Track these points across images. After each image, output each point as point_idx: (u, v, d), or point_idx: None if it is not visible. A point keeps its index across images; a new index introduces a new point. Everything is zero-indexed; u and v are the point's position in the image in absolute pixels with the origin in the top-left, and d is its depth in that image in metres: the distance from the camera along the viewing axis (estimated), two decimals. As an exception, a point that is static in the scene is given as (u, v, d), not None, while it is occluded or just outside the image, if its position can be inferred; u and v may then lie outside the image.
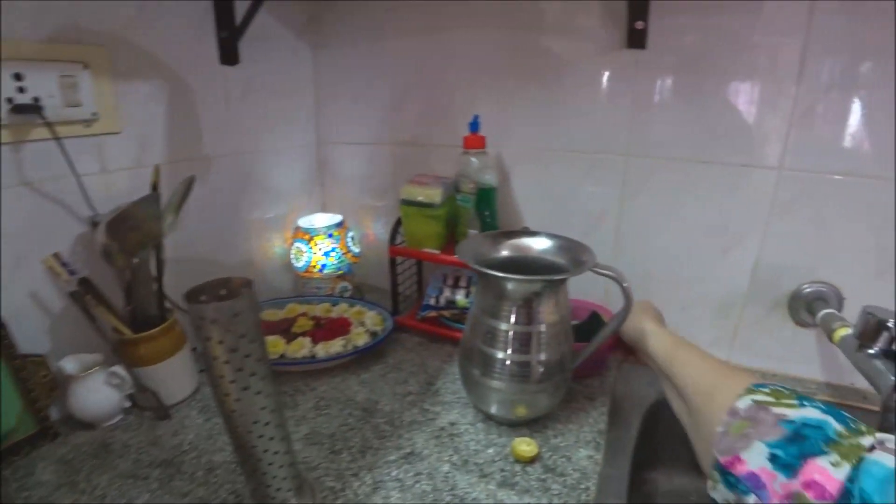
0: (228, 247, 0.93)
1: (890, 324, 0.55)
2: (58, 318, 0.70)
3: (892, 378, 0.53)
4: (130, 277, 0.65)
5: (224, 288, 0.46)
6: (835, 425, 0.36)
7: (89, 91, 0.68)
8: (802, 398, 0.41)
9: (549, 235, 0.64)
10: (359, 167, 1.06)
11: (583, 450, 0.62)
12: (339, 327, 0.82)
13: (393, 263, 0.88)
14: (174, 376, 0.72)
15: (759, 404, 0.41)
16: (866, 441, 0.34)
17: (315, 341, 0.78)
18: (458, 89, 0.90)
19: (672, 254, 0.81)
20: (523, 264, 0.62)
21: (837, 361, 0.76)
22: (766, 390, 0.42)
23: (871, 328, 0.57)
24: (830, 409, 0.39)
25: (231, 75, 0.86)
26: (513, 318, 0.59)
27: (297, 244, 0.94)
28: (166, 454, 0.64)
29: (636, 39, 0.74)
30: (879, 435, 0.35)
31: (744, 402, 0.42)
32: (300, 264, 0.94)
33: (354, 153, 1.05)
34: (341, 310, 0.89)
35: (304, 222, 0.97)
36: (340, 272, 0.95)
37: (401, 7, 0.90)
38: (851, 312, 0.64)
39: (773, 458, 0.37)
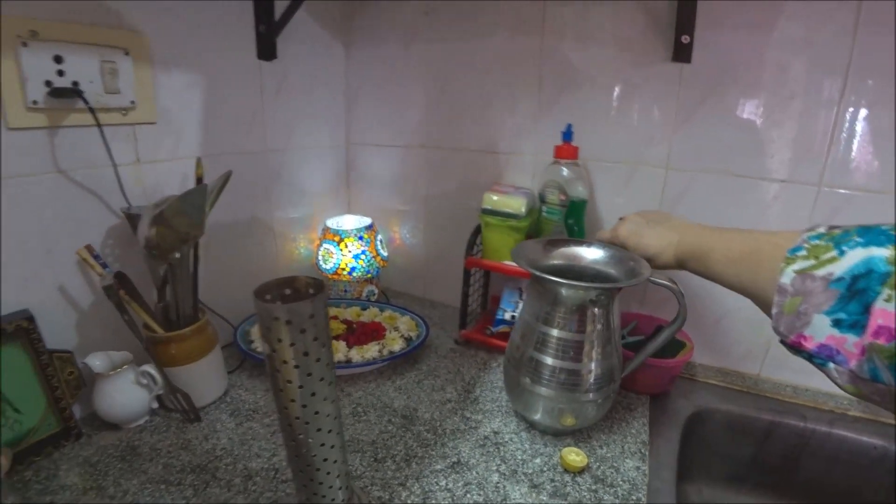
0: (254, 245, 0.90)
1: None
2: (86, 313, 0.67)
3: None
4: (168, 273, 0.62)
5: (289, 287, 0.44)
6: (882, 253, 0.34)
7: (128, 78, 0.66)
8: (840, 244, 0.38)
9: (602, 245, 0.63)
10: (387, 170, 1.04)
11: (629, 461, 0.61)
12: (372, 332, 0.80)
13: (467, 275, 0.84)
14: (204, 378, 0.70)
15: (802, 273, 0.38)
16: None
17: (349, 345, 0.76)
18: (493, 95, 0.89)
19: (707, 267, 0.81)
20: (575, 272, 0.61)
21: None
22: (804, 252, 0.39)
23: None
24: (870, 234, 0.37)
25: (266, 70, 0.84)
26: (565, 325, 0.58)
27: (327, 245, 0.92)
28: (199, 459, 0.61)
29: (681, 53, 0.74)
30: None
31: (787, 277, 0.39)
32: (329, 266, 0.92)
33: (383, 155, 1.04)
34: (372, 314, 0.87)
35: (332, 223, 0.95)
36: (369, 276, 0.93)
37: (438, 10, 0.89)
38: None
39: (838, 323, 0.36)
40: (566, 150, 0.78)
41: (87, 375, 0.65)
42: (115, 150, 0.65)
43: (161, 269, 0.63)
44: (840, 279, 0.36)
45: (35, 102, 0.58)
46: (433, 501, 0.54)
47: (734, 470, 0.79)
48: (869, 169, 0.69)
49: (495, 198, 0.79)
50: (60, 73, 0.60)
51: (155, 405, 0.68)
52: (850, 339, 0.35)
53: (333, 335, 0.79)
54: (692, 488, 0.80)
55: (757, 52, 0.71)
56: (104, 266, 0.63)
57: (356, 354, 0.75)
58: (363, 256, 0.91)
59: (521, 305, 0.83)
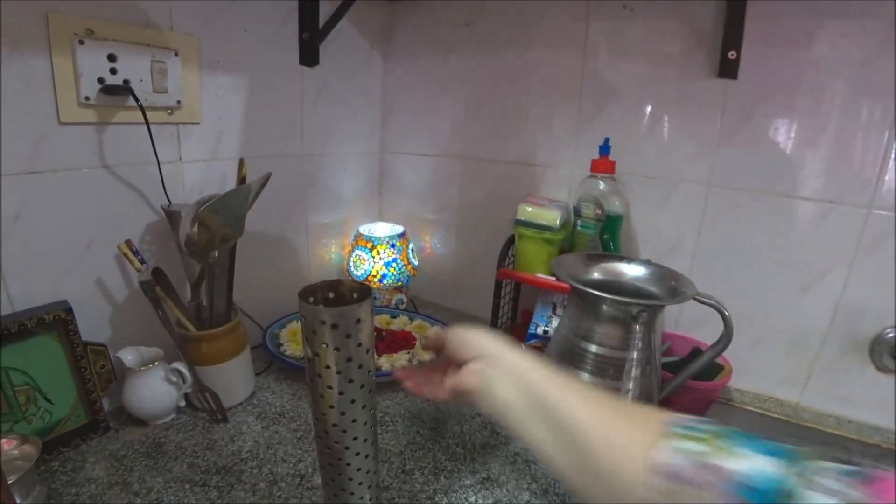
0: (287, 248, 0.91)
1: None
2: (121, 308, 0.68)
3: None
4: (205, 272, 0.63)
5: (333, 291, 0.44)
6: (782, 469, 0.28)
7: (176, 79, 0.67)
8: (724, 435, 0.31)
9: (644, 262, 0.62)
10: (420, 178, 1.04)
11: (665, 488, 0.59)
12: (402, 340, 0.79)
13: (498, 287, 0.84)
14: (233, 379, 0.69)
15: (687, 454, 0.31)
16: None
17: (379, 353, 0.75)
18: (532, 107, 0.88)
19: (747, 287, 0.78)
20: (615, 288, 0.59)
21: (920, 412, 0.72)
22: (696, 434, 0.32)
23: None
24: (767, 447, 0.30)
25: (308, 76, 0.85)
26: (605, 342, 0.56)
27: (358, 251, 0.92)
28: (224, 460, 0.60)
29: (728, 69, 0.73)
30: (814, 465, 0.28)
31: (665, 455, 0.31)
32: (360, 272, 0.92)
33: (416, 164, 1.04)
34: (401, 323, 0.86)
35: (365, 230, 0.95)
36: (399, 283, 0.93)
37: (478, 22, 0.90)
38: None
39: None
40: (603, 163, 0.76)
41: (118, 369, 0.65)
42: (159, 149, 0.66)
43: (197, 267, 0.63)
44: (752, 489, 0.28)
45: (87, 98, 0.60)
46: (462, 518, 0.53)
47: None
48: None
49: (530, 209, 0.78)
50: (113, 70, 0.61)
51: (182, 403, 0.68)
52: None
53: None
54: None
55: (807, 70, 0.69)
56: (142, 262, 0.64)
57: (386, 362, 0.74)
58: (394, 264, 0.91)
59: (554, 321, 0.81)
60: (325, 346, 0.38)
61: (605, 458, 0.35)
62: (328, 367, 0.39)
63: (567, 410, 0.38)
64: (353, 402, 0.41)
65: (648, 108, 0.80)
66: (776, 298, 0.77)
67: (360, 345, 0.39)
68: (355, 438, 0.42)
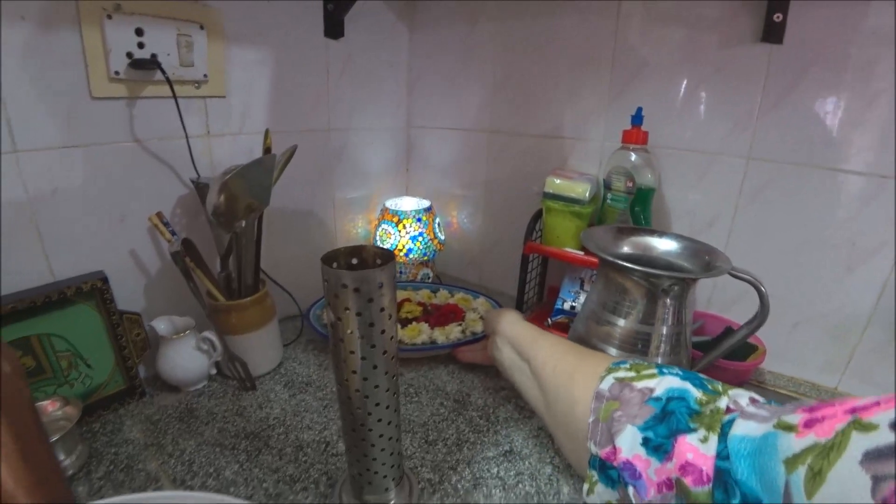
0: (314, 222, 0.91)
1: None
2: (153, 279, 0.70)
3: None
4: (233, 242, 0.64)
5: (356, 257, 0.44)
6: (694, 392, 0.35)
7: (202, 52, 0.68)
8: (661, 367, 0.39)
9: (677, 237, 0.59)
10: (447, 153, 1.03)
11: (693, 468, 0.58)
12: (449, 313, 0.80)
13: (525, 261, 0.83)
14: (261, 348, 0.71)
15: (622, 381, 0.39)
16: (722, 403, 0.33)
17: (431, 327, 0.77)
18: (561, 78, 0.86)
19: (787, 267, 0.75)
20: (645, 262, 0.57)
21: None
22: (626, 365, 0.40)
23: None
24: (688, 373, 0.37)
25: (333, 49, 0.85)
26: (634, 316, 0.55)
27: (385, 226, 0.92)
28: (252, 426, 0.62)
29: (773, 33, 0.68)
30: (732, 392, 0.34)
31: (607, 383, 0.40)
32: (386, 246, 0.92)
33: (443, 138, 1.02)
34: (443, 297, 0.87)
35: (391, 204, 0.95)
36: (426, 258, 0.93)
37: (506, -11, 0.87)
38: None
39: (646, 442, 0.34)
40: (635, 134, 0.73)
41: (153, 338, 0.67)
42: (187, 123, 0.67)
43: (226, 238, 0.65)
44: (658, 399, 0.35)
45: (117, 73, 0.61)
46: (484, 488, 0.53)
47: None
48: None
49: (558, 181, 0.76)
50: (140, 45, 0.62)
51: (213, 371, 0.70)
52: (653, 463, 0.33)
53: (412, 317, 0.80)
54: None
55: (859, 34, 0.64)
56: (173, 233, 0.65)
57: (440, 336, 0.75)
58: (420, 238, 0.91)
59: (581, 297, 0.79)
60: (347, 310, 0.38)
61: (563, 395, 0.44)
62: (351, 331, 0.39)
63: (539, 360, 0.50)
64: (375, 367, 0.41)
65: (685, 78, 0.76)
66: (819, 280, 0.73)
67: (382, 309, 0.39)
68: (377, 404, 0.43)
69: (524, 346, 0.54)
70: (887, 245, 0.68)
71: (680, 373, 0.38)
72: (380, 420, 0.44)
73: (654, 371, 0.38)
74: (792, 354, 0.77)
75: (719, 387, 0.35)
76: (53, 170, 0.58)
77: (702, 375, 0.37)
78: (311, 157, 0.86)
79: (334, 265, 0.42)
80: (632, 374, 0.39)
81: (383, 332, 0.40)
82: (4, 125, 0.54)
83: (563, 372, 0.46)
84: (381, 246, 0.43)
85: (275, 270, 0.80)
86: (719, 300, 0.81)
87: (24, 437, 0.42)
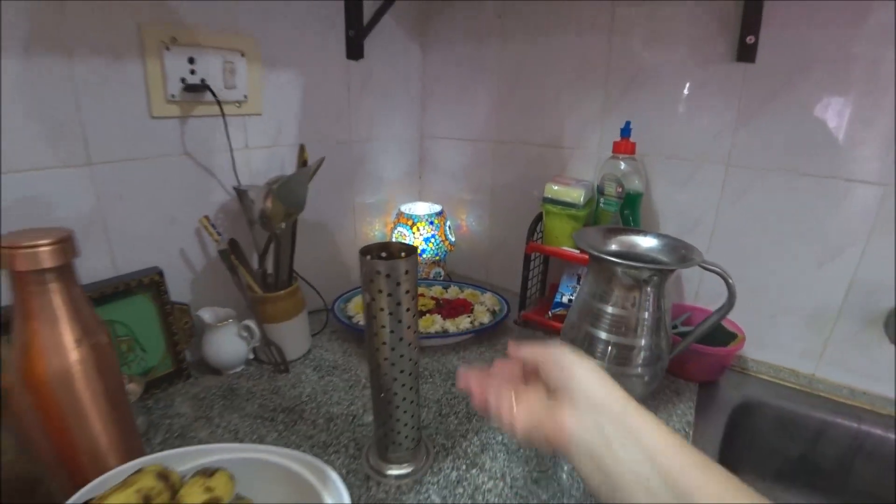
0: (337, 225, 1.01)
1: None
2: (199, 274, 0.79)
3: None
4: (273, 242, 0.73)
5: (385, 250, 0.52)
6: None
7: (243, 76, 0.77)
8: None
9: (657, 235, 0.68)
10: (456, 161, 1.12)
11: (675, 438, 0.65)
12: (460, 306, 0.89)
13: (527, 259, 0.92)
14: (293, 336, 0.80)
15: None
16: None
17: (444, 318, 0.86)
18: (561, 92, 0.94)
19: (765, 263, 0.82)
20: (631, 258, 0.66)
21: (934, 384, 0.75)
22: None
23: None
24: None
25: (354, 69, 0.94)
26: (620, 303, 0.63)
27: (400, 228, 1.01)
28: (288, 402, 0.71)
29: (746, 53, 0.76)
30: None
31: None
32: (401, 247, 1.01)
33: (453, 148, 1.12)
34: (454, 292, 0.96)
35: (406, 208, 1.05)
36: (437, 258, 1.02)
37: (510, 12, 0.96)
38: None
39: None
40: (624, 145, 0.82)
41: (198, 326, 0.77)
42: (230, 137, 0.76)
43: (264, 240, 0.74)
44: None
45: (172, 96, 0.70)
46: (490, 451, 0.61)
47: (784, 467, 0.79)
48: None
49: (556, 188, 0.85)
50: (192, 71, 0.72)
51: (251, 356, 0.79)
52: None
53: (426, 309, 0.89)
54: (744, 482, 0.81)
55: (819, 50, 0.71)
56: (219, 234, 0.75)
57: (451, 326, 0.85)
58: (433, 240, 1.00)
59: (578, 290, 0.88)
60: (380, 292, 0.47)
61: None
62: (382, 309, 0.48)
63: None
64: (400, 339, 0.50)
65: (670, 92, 0.84)
66: (793, 274, 0.81)
67: (407, 291, 0.48)
68: (402, 371, 0.51)
69: (678, 470, 0.33)
70: (853, 243, 0.76)
71: None
72: (403, 385, 0.52)
73: None
74: (772, 343, 0.85)
75: None
76: (119, 179, 0.68)
77: None
78: (334, 166, 0.96)
79: (368, 257, 0.51)
80: None
81: (408, 309, 0.49)
82: (82, 143, 0.64)
83: None
84: (404, 242, 0.51)
85: (301, 269, 0.89)
86: (707, 293, 0.89)
87: (116, 402, 0.51)
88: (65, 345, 0.46)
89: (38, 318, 0.45)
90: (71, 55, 0.60)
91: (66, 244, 0.45)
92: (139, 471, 0.42)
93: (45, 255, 0.43)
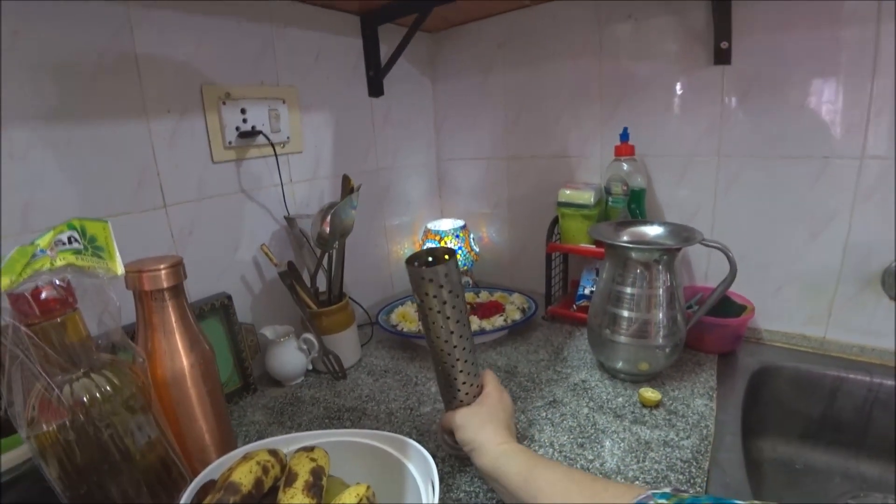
0: (371, 245, 1.11)
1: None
2: (258, 297, 0.89)
3: None
4: (328, 261, 0.83)
5: (430, 256, 0.61)
6: None
7: (286, 120, 0.89)
8: (697, 499, 0.37)
9: (661, 223, 0.77)
10: (473, 179, 1.24)
11: (699, 399, 0.73)
12: (492, 307, 0.98)
13: (549, 259, 1.01)
14: (346, 346, 0.89)
15: None
16: None
17: (480, 318, 0.95)
18: (562, 109, 1.05)
19: (764, 241, 0.90)
20: (642, 244, 0.75)
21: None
22: (665, 498, 0.37)
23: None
24: (720, 500, 0.35)
25: (376, 105, 1.06)
26: (636, 283, 0.72)
27: (429, 243, 1.11)
28: (350, 403, 0.79)
29: (722, 57, 0.86)
30: None
31: None
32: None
33: (469, 167, 1.23)
34: (485, 296, 1.06)
35: (432, 225, 1.15)
36: (465, 268, 1.11)
37: (509, 43, 1.08)
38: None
39: None
40: (624, 148, 0.92)
41: (262, 343, 0.86)
42: (276, 174, 0.87)
43: (314, 262, 0.84)
44: None
45: (230, 143, 0.81)
46: (537, 426, 0.69)
47: (807, 427, 0.84)
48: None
49: (568, 192, 0.95)
50: (244, 120, 0.83)
51: (310, 367, 0.88)
52: None
53: None
54: (766, 444, 0.86)
55: (790, 43, 0.80)
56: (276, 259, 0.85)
57: (487, 324, 0.94)
58: (459, 251, 1.10)
59: (598, 279, 0.96)
60: (427, 294, 0.55)
61: None
62: (430, 308, 0.56)
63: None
64: (451, 332, 0.57)
65: (659, 98, 0.94)
66: (791, 247, 0.88)
67: (450, 291, 0.56)
68: (455, 346, 0.58)
69: (513, 487, 0.48)
70: (839, 213, 0.83)
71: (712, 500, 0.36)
72: (458, 359, 0.60)
73: (684, 501, 0.37)
74: (782, 313, 0.92)
75: None
76: (190, 217, 0.79)
77: (737, 502, 0.35)
78: (365, 194, 1.06)
79: (416, 263, 0.59)
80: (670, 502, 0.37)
81: (454, 307, 0.56)
82: (159, 190, 0.74)
83: None
84: (446, 246, 0.60)
85: (345, 287, 0.98)
86: (716, 273, 0.97)
87: (216, 402, 0.60)
88: (179, 352, 0.56)
89: (158, 329, 0.55)
90: (148, 115, 0.71)
91: (178, 267, 0.55)
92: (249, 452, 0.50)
93: (164, 276, 0.53)
